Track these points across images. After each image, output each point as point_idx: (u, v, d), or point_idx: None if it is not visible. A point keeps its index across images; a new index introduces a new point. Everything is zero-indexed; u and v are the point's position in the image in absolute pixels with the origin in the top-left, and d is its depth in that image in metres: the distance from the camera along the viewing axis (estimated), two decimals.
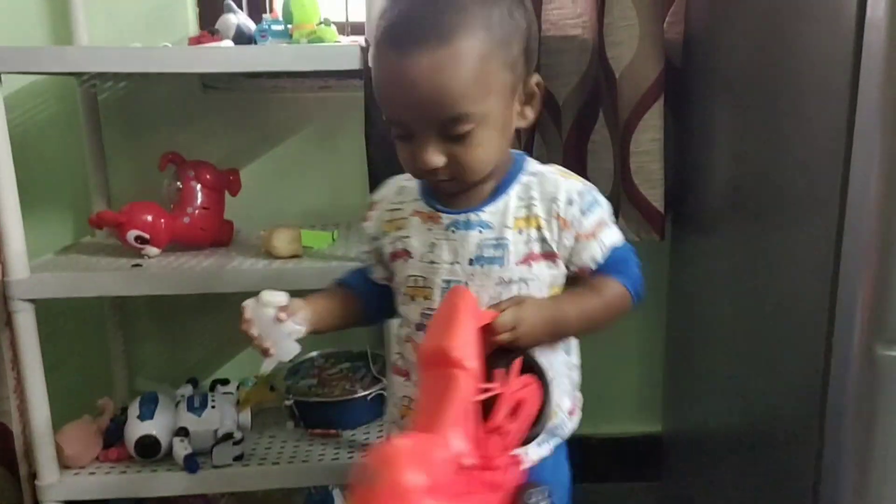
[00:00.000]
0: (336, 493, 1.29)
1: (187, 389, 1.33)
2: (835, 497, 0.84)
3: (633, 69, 1.27)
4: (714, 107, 1.21)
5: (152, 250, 1.17)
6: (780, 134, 0.96)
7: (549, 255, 0.80)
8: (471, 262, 0.80)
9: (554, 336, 0.80)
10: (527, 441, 0.73)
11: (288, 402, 1.30)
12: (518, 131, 1.31)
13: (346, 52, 1.04)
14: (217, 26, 1.22)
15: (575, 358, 0.87)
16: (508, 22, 0.74)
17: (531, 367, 0.74)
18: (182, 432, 1.20)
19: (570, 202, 0.79)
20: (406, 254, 0.83)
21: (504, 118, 0.77)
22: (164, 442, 1.19)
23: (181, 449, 1.17)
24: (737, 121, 1.12)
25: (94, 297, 1.13)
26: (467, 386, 0.67)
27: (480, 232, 0.80)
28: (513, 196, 0.80)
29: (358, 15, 1.41)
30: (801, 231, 0.90)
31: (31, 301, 1.10)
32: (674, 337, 1.49)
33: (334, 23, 1.21)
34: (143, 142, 1.39)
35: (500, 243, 0.79)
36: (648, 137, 1.29)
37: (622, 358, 1.57)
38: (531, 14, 0.79)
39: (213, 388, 1.33)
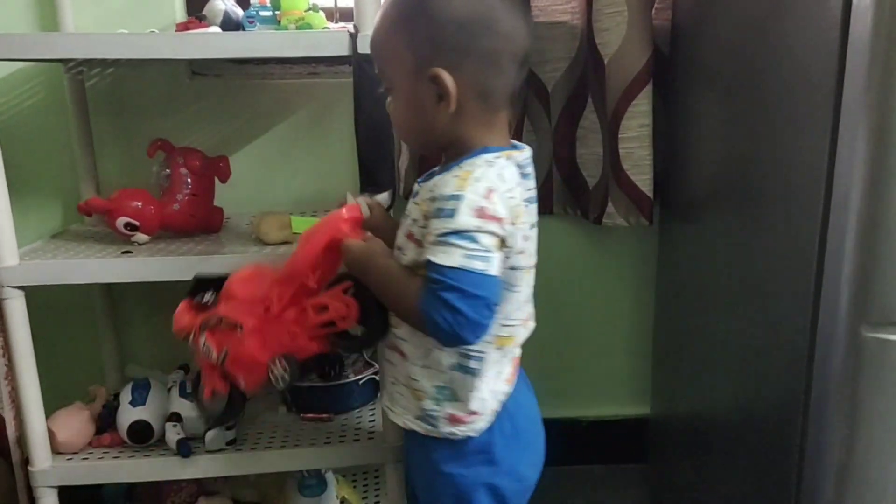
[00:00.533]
0: (329, 477, 1.31)
1: (179, 375, 1.33)
2: (818, 477, 0.85)
3: (621, 55, 1.27)
4: (701, 93, 1.22)
5: (142, 237, 1.17)
6: (766, 120, 0.97)
7: (416, 241, 0.82)
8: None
9: (359, 275, 0.87)
10: (333, 345, 0.91)
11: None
12: None
13: (334, 38, 1.04)
14: (204, 12, 1.21)
15: (483, 383, 0.86)
16: (417, 8, 0.81)
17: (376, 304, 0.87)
18: (174, 417, 1.20)
19: (433, 199, 0.79)
20: None
21: (411, 96, 0.83)
22: (156, 427, 1.20)
23: (174, 434, 1.18)
24: (724, 107, 1.13)
25: (85, 284, 1.12)
26: (295, 266, 0.90)
27: (410, 200, 0.86)
28: (436, 179, 0.83)
29: (347, 0, 1.40)
30: (787, 215, 0.91)
31: (21, 288, 1.09)
32: (662, 320, 1.50)
33: (323, 9, 1.21)
34: (131, 128, 1.38)
35: (406, 214, 0.85)
36: (637, 123, 1.29)
37: (611, 341, 1.58)
38: (463, 11, 0.79)
39: None
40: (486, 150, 0.83)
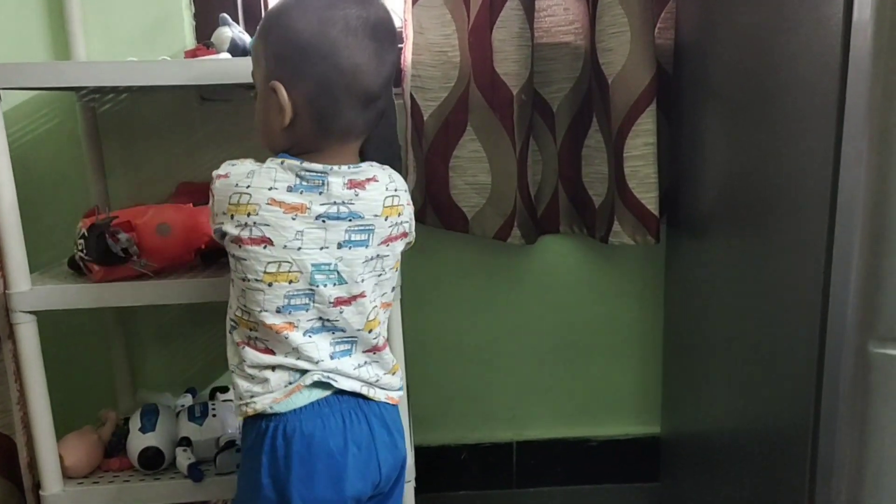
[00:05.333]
0: None
1: (187, 399, 1.33)
2: (830, 494, 0.85)
3: (625, 75, 1.28)
4: (705, 111, 1.22)
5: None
6: (770, 137, 0.98)
7: None
8: None
9: None
10: None
11: None
12: (513, 138, 1.33)
13: None
14: (212, 39, 1.23)
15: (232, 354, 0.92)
16: (273, 23, 0.88)
17: None
18: (184, 442, 1.21)
19: None
20: None
21: (262, 101, 0.90)
22: (167, 452, 1.20)
23: (184, 459, 1.18)
24: (728, 125, 1.14)
25: (97, 308, 1.14)
26: None
27: None
28: None
29: None
30: (793, 232, 0.92)
31: (33, 313, 1.11)
32: (671, 338, 1.50)
33: None
34: (141, 153, 1.40)
35: None
36: (642, 142, 1.30)
37: (620, 360, 1.58)
38: (306, 37, 0.85)
39: (212, 396, 1.34)
40: (279, 155, 0.90)
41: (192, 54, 1.20)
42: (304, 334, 0.89)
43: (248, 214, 0.85)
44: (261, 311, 0.87)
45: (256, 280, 0.86)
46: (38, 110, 1.37)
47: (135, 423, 1.22)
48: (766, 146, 0.99)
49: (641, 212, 1.33)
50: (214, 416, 1.25)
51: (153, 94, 1.37)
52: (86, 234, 1.09)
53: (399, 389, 0.98)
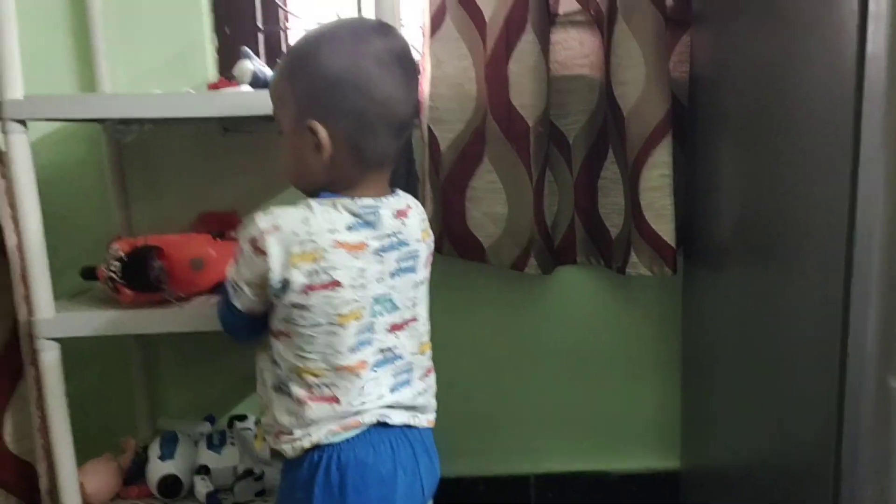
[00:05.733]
0: None
1: (205, 427, 1.34)
2: None
3: (640, 107, 1.29)
4: (721, 143, 1.23)
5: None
6: (785, 169, 0.98)
7: None
8: None
9: None
10: None
11: None
12: (529, 169, 1.34)
13: None
14: (234, 72, 1.26)
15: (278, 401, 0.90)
16: (301, 63, 0.88)
17: None
18: (203, 470, 1.21)
19: None
20: None
21: (294, 141, 0.89)
22: (185, 481, 1.21)
23: (203, 487, 1.19)
24: (743, 157, 1.14)
25: (118, 336, 1.15)
26: None
27: None
28: None
29: None
30: (810, 264, 0.91)
31: (57, 340, 1.12)
32: (690, 371, 1.49)
33: None
34: (164, 184, 1.43)
35: None
36: (658, 174, 1.30)
37: (639, 392, 1.57)
38: (338, 72, 0.85)
39: (230, 424, 1.35)
40: (320, 194, 0.89)
41: (214, 87, 1.22)
42: (371, 369, 0.89)
43: (315, 261, 0.84)
44: (335, 354, 0.86)
45: (330, 324, 0.86)
46: (65, 140, 1.40)
47: (154, 450, 1.23)
48: (782, 178, 0.99)
49: (658, 243, 1.33)
50: (233, 444, 1.26)
51: (177, 126, 1.40)
52: (124, 258, 1.11)
53: (435, 411, 0.99)
